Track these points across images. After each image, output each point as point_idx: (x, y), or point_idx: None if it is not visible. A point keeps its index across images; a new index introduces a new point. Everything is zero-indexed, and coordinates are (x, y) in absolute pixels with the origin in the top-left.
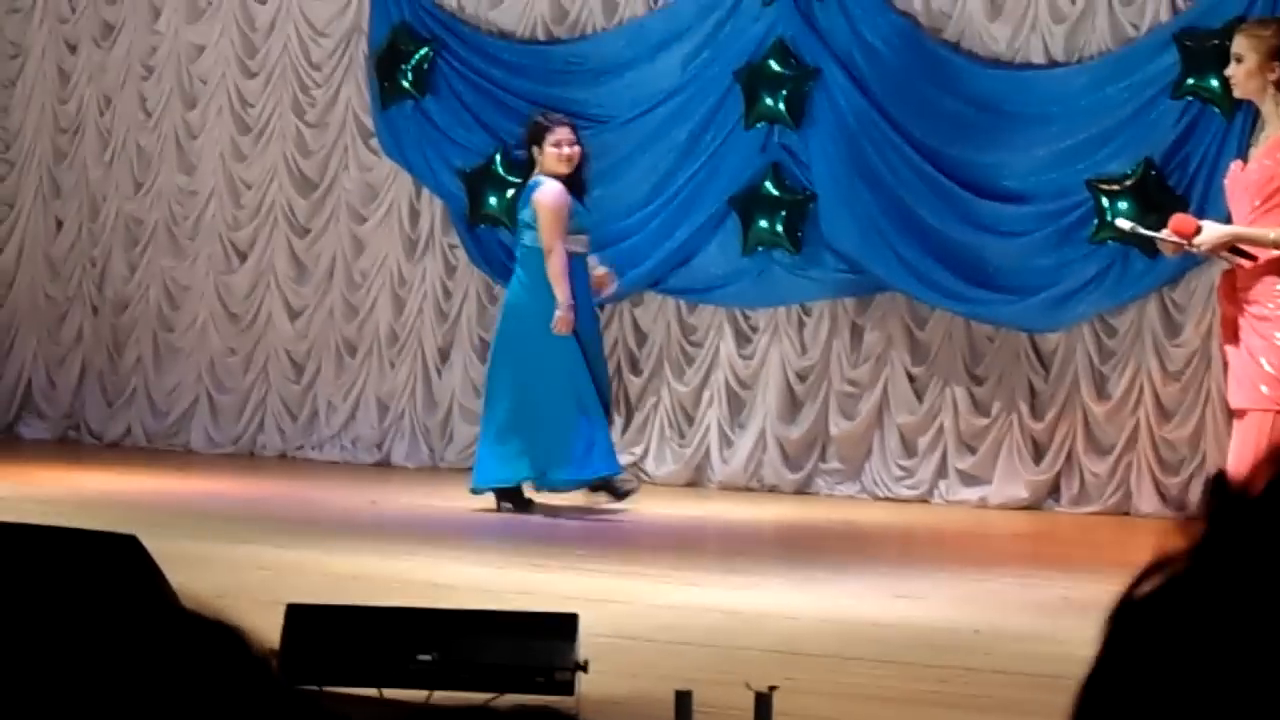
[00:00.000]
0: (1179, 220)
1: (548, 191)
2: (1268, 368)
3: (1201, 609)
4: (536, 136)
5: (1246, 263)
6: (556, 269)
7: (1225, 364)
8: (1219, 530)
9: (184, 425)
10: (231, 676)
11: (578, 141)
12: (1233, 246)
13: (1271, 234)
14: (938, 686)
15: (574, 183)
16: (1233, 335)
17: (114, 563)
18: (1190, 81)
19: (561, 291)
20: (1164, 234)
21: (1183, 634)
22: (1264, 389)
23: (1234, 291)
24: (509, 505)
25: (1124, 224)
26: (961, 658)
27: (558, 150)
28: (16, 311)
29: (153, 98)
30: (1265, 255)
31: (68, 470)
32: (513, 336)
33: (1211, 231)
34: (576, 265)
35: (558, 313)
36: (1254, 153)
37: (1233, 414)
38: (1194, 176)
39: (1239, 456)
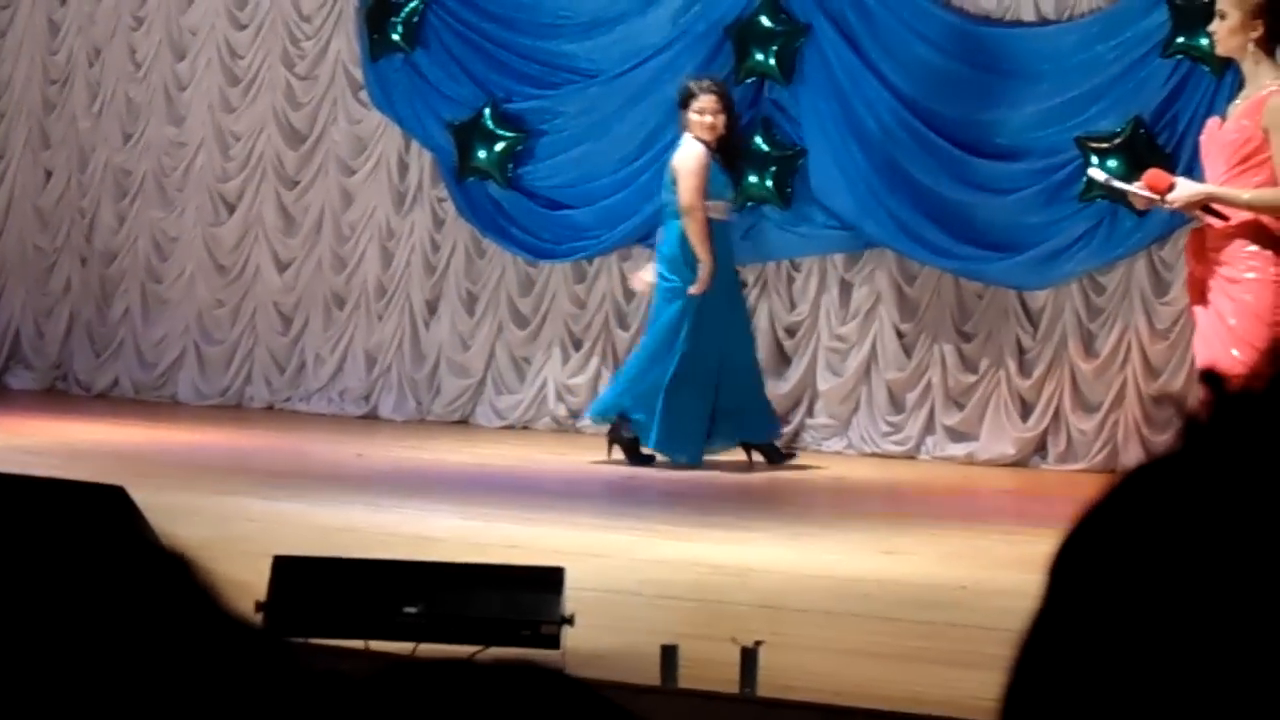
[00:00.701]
0: (1152, 175)
1: (683, 152)
2: (1238, 329)
3: (1200, 506)
4: (683, 100)
5: (1218, 222)
6: (695, 230)
7: (1177, 322)
8: (1218, 426)
9: (172, 376)
10: (205, 620)
11: (724, 110)
12: (1205, 205)
13: (1245, 195)
14: (924, 642)
15: (722, 149)
16: (1200, 295)
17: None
18: (1180, 40)
19: (703, 252)
20: (1136, 187)
21: (1182, 528)
22: (1234, 352)
23: (1203, 251)
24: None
25: (1097, 174)
26: (948, 613)
27: (700, 117)
28: (5, 262)
29: (142, 49)
30: (1237, 216)
31: (56, 421)
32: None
33: (1185, 189)
34: (717, 230)
35: (699, 273)
36: (1232, 111)
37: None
38: (1183, 135)
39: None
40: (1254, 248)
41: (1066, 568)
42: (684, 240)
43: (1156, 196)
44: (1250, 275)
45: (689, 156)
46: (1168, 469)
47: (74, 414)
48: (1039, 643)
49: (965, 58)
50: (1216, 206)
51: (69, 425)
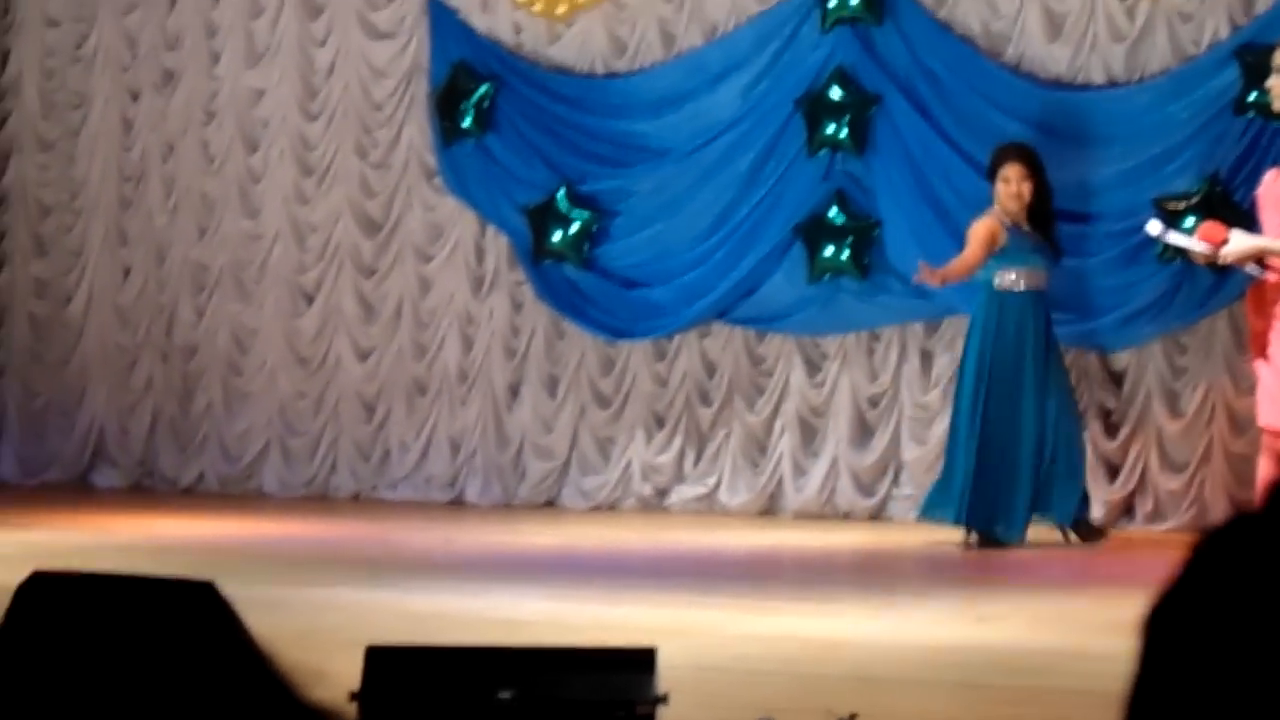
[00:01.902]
0: (1208, 228)
1: (977, 220)
2: None
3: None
4: (990, 170)
5: (1272, 276)
6: (957, 265)
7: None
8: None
9: (256, 469)
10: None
11: (1030, 177)
12: (1259, 258)
13: None
14: (1018, 709)
15: (1031, 217)
16: (1262, 350)
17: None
18: (1252, 97)
19: (948, 274)
20: (1193, 241)
21: (1266, 583)
22: None
23: (1264, 305)
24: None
25: (1155, 227)
26: (1041, 679)
27: (1005, 185)
28: (87, 361)
29: (215, 143)
30: None
31: (143, 518)
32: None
33: (1239, 241)
34: (1016, 300)
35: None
36: None
37: (1264, 431)
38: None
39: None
40: None
41: (1158, 630)
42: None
43: (1211, 249)
44: None
45: (975, 224)
46: (1247, 528)
47: (161, 510)
48: (1140, 706)
49: (1037, 122)
50: (1270, 259)
51: (156, 521)
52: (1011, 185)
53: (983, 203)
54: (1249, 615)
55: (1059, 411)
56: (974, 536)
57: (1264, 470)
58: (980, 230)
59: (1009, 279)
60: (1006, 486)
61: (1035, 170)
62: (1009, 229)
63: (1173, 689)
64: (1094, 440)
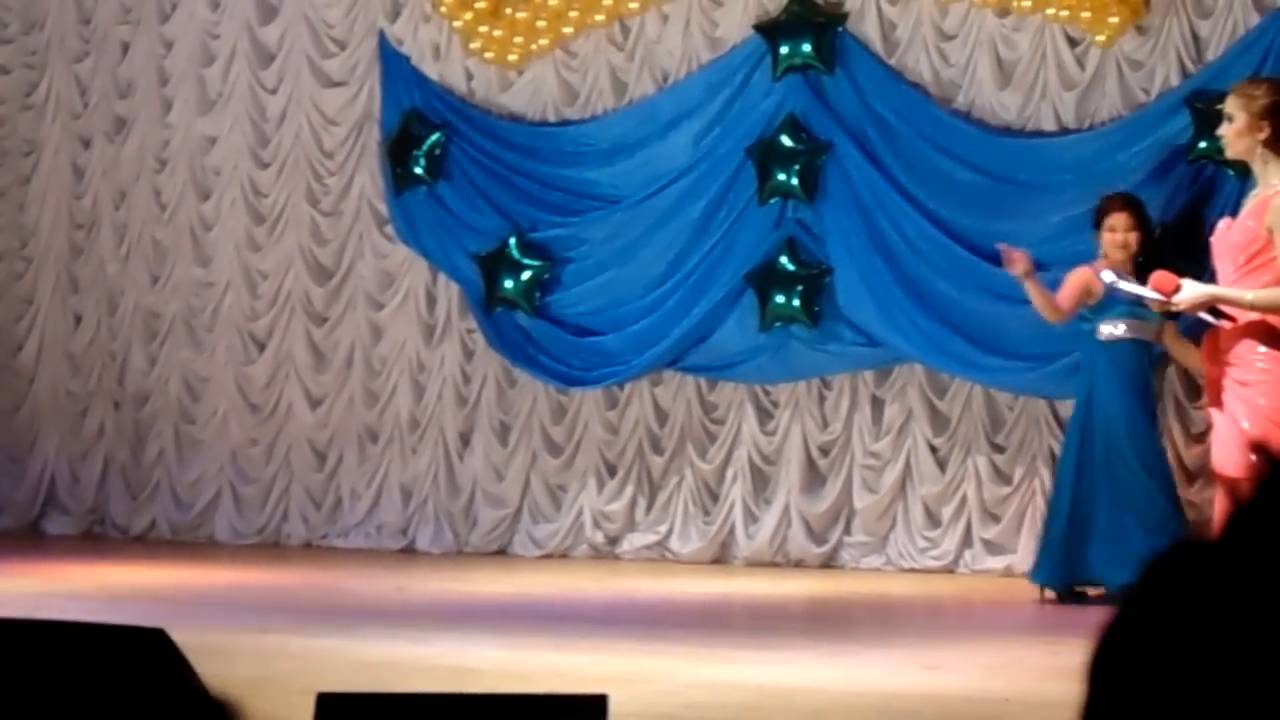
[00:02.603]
0: (1159, 277)
1: (1076, 270)
2: (1253, 431)
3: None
4: (1096, 219)
5: (1225, 324)
6: (1041, 297)
7: (1210, 425)
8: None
9: (208, 517)
10: None
11: (1136, 227)
12: (1212, 307)
13: (1249, 296)
14: None
15: (1143, 263)
16: (1216, 397)
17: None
18: (1203, 144)
19: (1033, 287)
20: (1146, 290)
21: (1204, 615)
22: (1253, 457)
23: (1217, 352)
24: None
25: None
26: None
27: (1111, 235)
28: (38, 408)
29: (167, 191)
30: (1244, 317)
31: (94, 565)
32: None
33: (1190, 290)
34: (1118, 350)
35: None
36: (1241, 212)
37: (1217, 477)
38: (1209, 239)
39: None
40: (1264, 349)
41: (1102, 669)
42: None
43: (1164, 298)
44: (1262, 377)
45: (1073, 273)
46: (1187, 559)
47: (112, 557)
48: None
49: (986, 169)
50: (1222, 308)
51: (107, 569)
52: (1118, 235)
53: (932, 250)
54: (1188, 645)
55: (1147, 461)
56: (1051, 593)
57: (1219, 511)
58: (1075, 280)
59: (1111, 330)
60: (1092, 538)
61: (1141, 219)
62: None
63: None
64: (1043, 487)
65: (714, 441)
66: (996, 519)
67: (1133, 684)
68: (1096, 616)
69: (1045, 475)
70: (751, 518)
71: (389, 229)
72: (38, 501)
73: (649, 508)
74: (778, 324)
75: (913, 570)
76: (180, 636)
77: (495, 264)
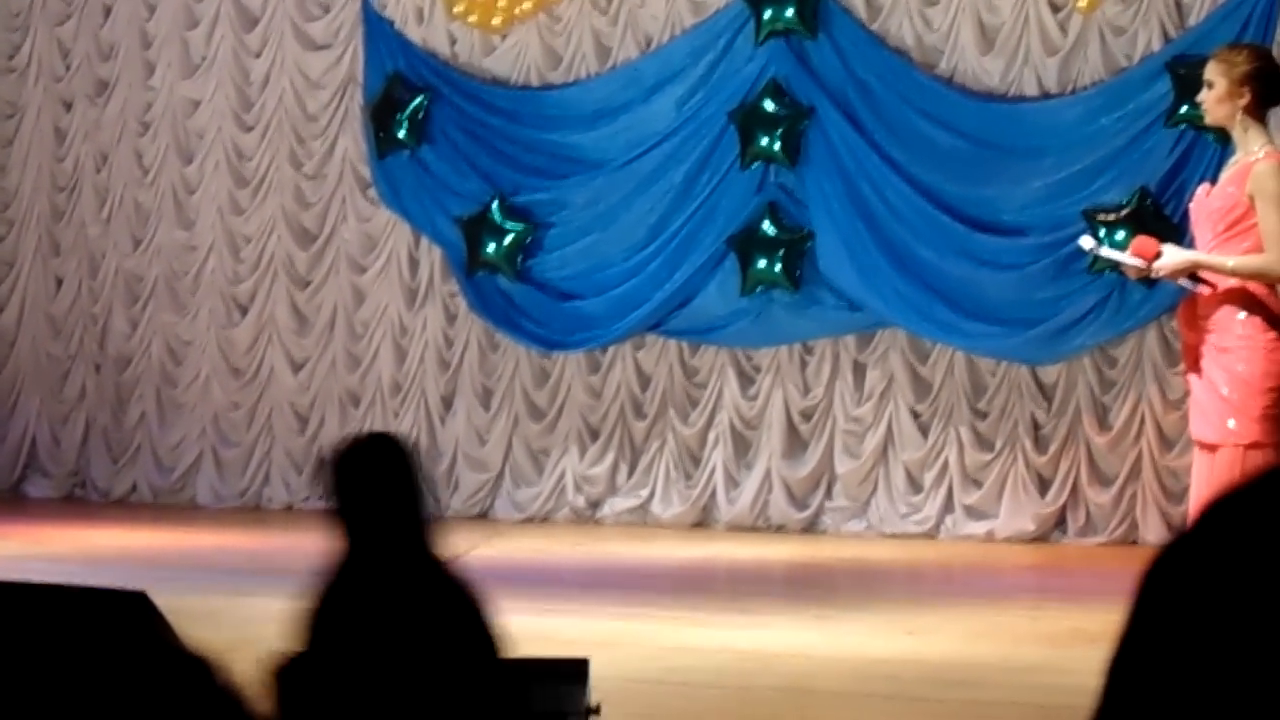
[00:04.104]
0: (1140, 242)
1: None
2: (1232, 398)
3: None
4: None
5: (1205, 289)
6: None
7: (1188, 391)
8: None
9: (189, 480)
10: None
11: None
12: (1192, 273)
13: (1230, 262)
14: None
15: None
16: (1195, 363)
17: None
18: (1184, 110)
19: None
20: (1126, 256)
21: (1265, 553)
22: (1231, 423)
23: (1195, 319)
24: None
25: (1087, 242)
26: (974, 691)
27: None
28: (19, 370)
29: (149, 154)
30: (1224, 283)
31: (75, 528)
32: None
33: (1171, 256)
34: None
35: None
36: (1221, 178)
37: (1196, 444)
38: (1190, 204)
39: (1210, 494)
40: (1243, 315)
41: (1155, 585)
42: None
43: (1144, 264)
44: (1241, 343)
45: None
46: (1252, 500)
47: (93, 521)
48: (1129, 659)
49: (969, 134)
50: (1202, 274)
51: (88, 532)
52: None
53: (914, 216)
54: (1249, 580)
55: None
56: None
57: (1194, 477)
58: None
59: None
60: None
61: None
62: None
63: (1163, 644)
64: (1024, 454)
65: (695, 406)
66: (978, 484)
67: (1181, 604)
68: (1078, 582)
69: (1027, 441)
70: (733, 482)
71: (372, 192)
72: (19, 465)
73: (630, 472)
74: (759, 289)
75: (894, 535)
76: (161, 600)
77: (477, 228)
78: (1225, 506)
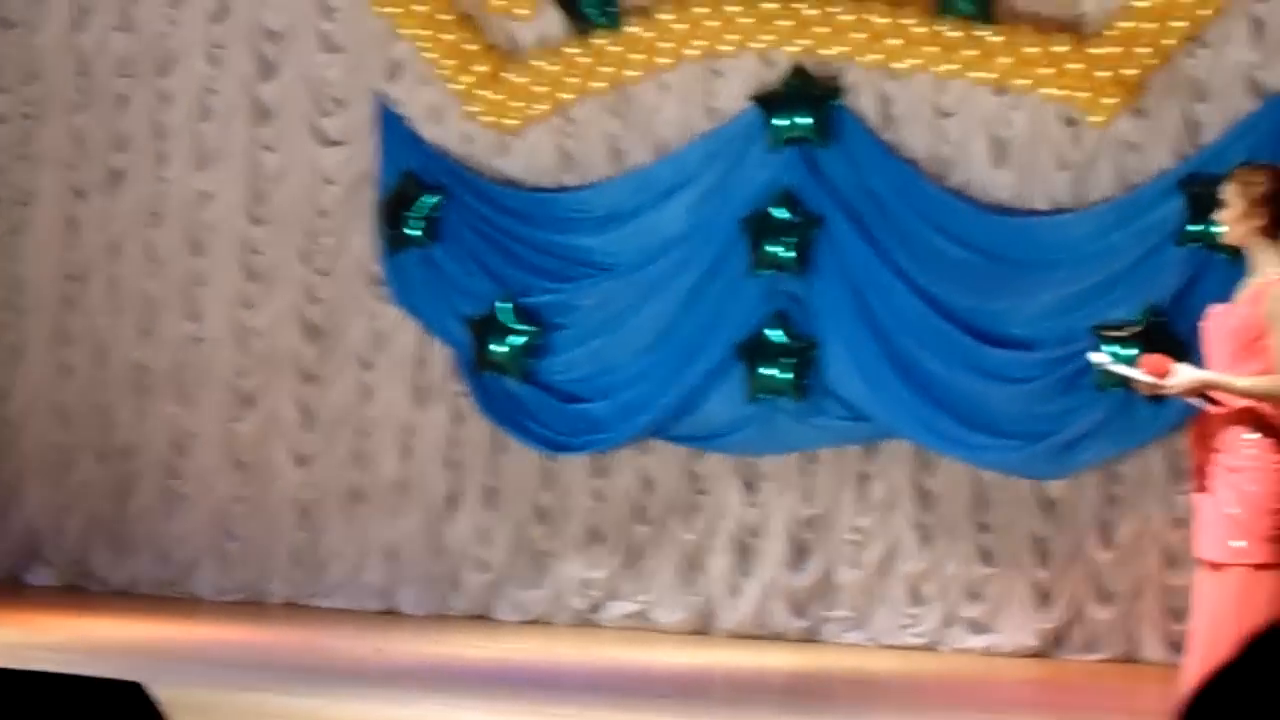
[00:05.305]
0: (1151, 361)
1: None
2: (1240, 517)
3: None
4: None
5: (1215, 409)
6: None
7: (1194, 510)
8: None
9: (191, 573)
10: None
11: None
12: (1203, 392)
13: (1241, 383)
14: None
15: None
16: (1203, 482)
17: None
18: (1196, 228)
19: None
20: (1139, 372)
21: None
22: (1238, 544)
23: (1204, 437)
24: None
25: (1098, 358)
26: None
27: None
28: (25, 460)
29: (160, 245)
30: (1235, 403)
31: (75, 617)
32: None
33: (1183, 375)
34: None
35: None
36: (1236, 298)
37: (1201, 563)
38: (1199, 323)
39: (1216, 612)
40: (1253, 435)
41: (1201, 711)
42: None
43: (1156, 381)
44: (1250, 463)
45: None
46: None
47: (93, 611)
48: None
49: (979, 246)
50: (1214, 394)
51: (88, 622)
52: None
53: (922, 327)
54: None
55: None
56: None
57: (1196, 598)
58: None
59: None
60: None
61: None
62: None
63: None
64: (1026, 570)
65: (698, 512)
66: (979, 598)
67: None
68: (1077, 698)
69: (1029, 556)
70: (734, 590)
71: (382, 290)
72: (20, 553)
73: (632, 577)
74: (765, 396)
75: (894, 647)
76: (160, 692)
77: (486, 328)
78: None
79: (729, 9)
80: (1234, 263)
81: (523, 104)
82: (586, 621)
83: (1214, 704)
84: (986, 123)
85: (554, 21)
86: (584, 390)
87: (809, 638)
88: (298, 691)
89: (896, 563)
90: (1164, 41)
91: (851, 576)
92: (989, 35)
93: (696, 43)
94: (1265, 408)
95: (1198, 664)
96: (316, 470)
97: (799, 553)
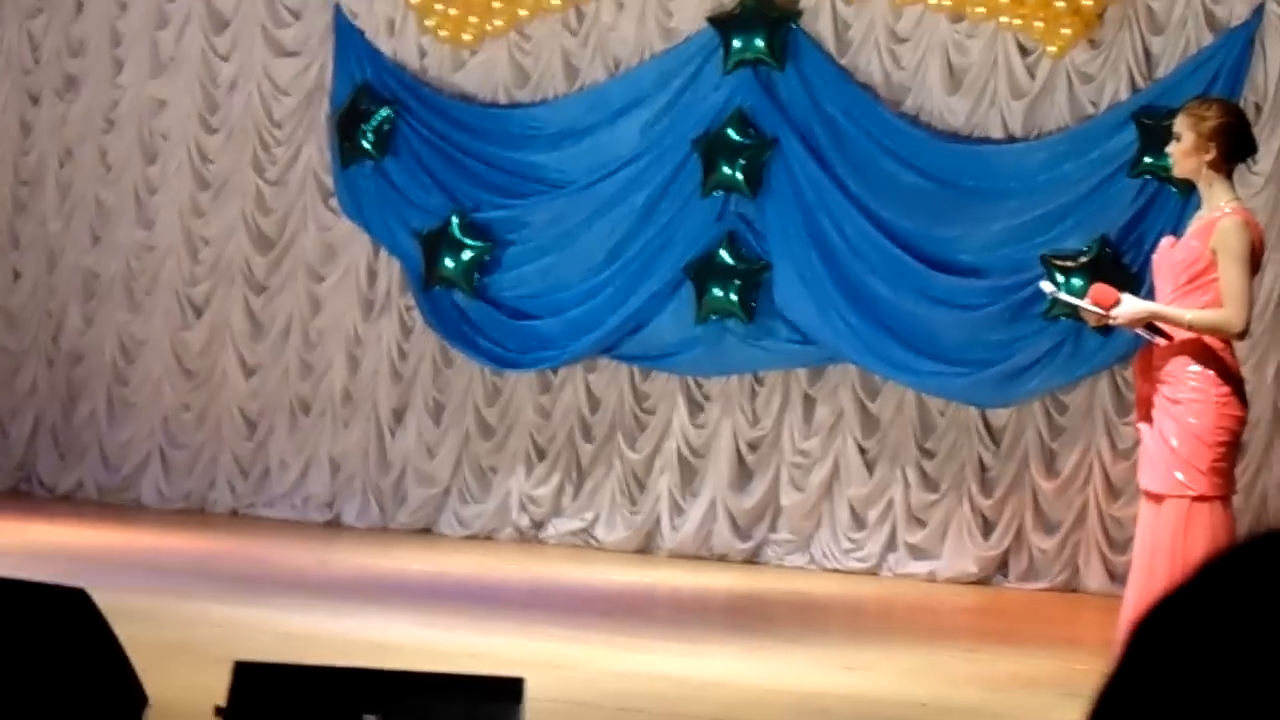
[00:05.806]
0: (1098, 290)
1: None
2: (1182, 450)
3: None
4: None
5: (1161, 340)
6: None
7: (1138, 441)
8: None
9: (136, 480)
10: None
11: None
12: (1150, 324)
13: (1188, 315)
14: None
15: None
16: (1146, 413)
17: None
18: (1147, 160)
19: None
20: (1085, 302)
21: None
22: (1179, 475)
23: (1150, 369)
24: None
25: (1047, 287)
26: None
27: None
28: None
29: (113, 152)
30: (1181, 336)
31: (18, 522)
32: None
33: (1130, 306)
34: None
35: None
36: (1186, 231)
37: (1143, 494)
38: (1149, 254)
39: (1156, 543)
40: (1197, 367)
41: (1149, 635)
42: None
43: (1103, 311)
44: (1193, 396)
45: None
46: (1251, 558)
47: (37, 515)
48: (1113, 713)
49: (931, 174)
50: (1160, 325)
51: (32, 526)
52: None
53: (872, 252)
54: (1243, 632)
55: None
56: None
57: (1139, 527)
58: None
59: None
60: None
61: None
62: None
63: (1149, 691)
64: (969, 496)
65: (644, 431)
66: (922, 524)
67: (1171, 655)
68: (1017, 626)
69: (973, 484)
70: (678, 510)
71: (333, 202)
72: None
73: (576, 494)
74: (714, 317)
75: (836, 571)
76: (102, 599)
77: (437, 242)
78: (1224, 563)
79: None
80: (1185, 196)
81: (479, 19)
82: (529, 538)
83: (1158, 633)
84: (942, 49)
85: None
86: (533, 307)
87: (751, 560)
88: (240, 601)
89: (840, 487)
90: None
91: (795, 499)
92: None
93: None
94: (1211, 341)
95: (1138, 594)
96: (264, 380)
97: (743, 475)
